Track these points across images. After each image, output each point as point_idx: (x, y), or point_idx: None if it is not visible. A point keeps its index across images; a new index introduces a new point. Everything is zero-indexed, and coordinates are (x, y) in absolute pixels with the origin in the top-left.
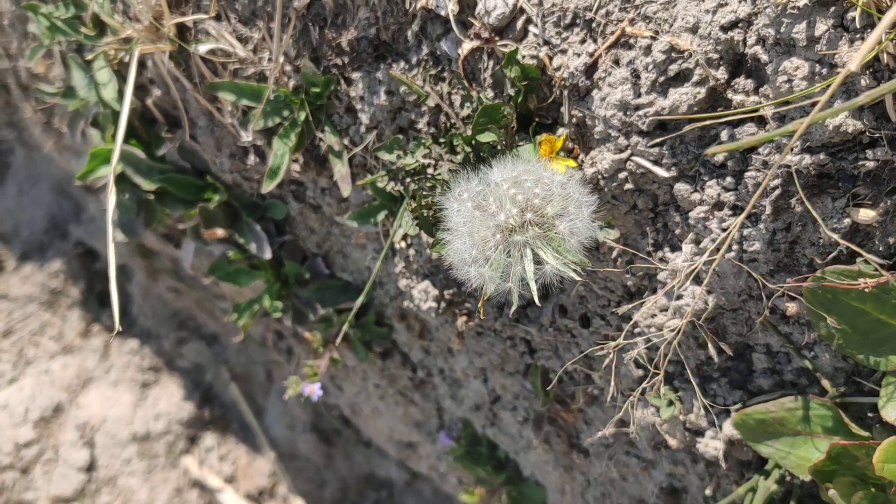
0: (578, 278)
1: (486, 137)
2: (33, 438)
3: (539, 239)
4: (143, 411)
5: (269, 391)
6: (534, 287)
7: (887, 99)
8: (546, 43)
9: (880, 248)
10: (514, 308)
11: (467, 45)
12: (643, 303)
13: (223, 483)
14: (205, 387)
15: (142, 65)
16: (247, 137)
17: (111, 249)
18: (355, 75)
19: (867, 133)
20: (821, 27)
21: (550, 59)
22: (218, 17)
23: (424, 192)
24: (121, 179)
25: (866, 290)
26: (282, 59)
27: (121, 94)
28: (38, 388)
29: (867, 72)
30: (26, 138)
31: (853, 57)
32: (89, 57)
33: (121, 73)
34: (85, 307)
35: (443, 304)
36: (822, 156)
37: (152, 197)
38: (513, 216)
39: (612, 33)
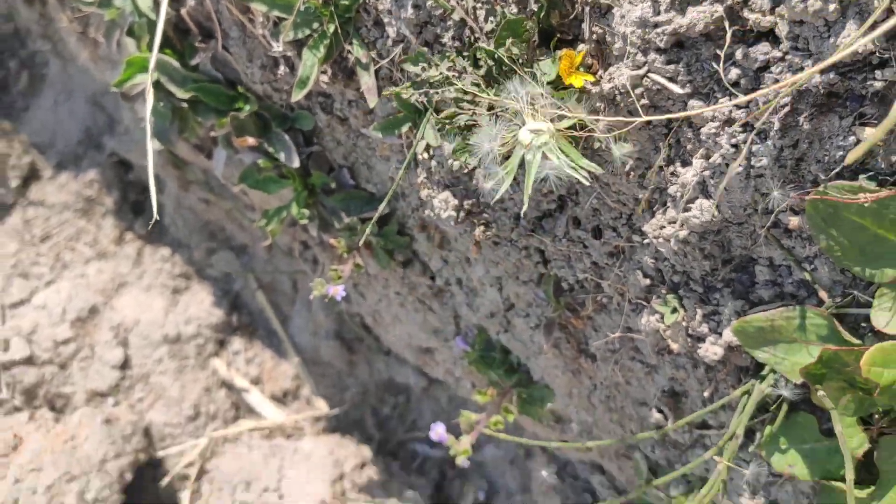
0: (587, 182)
1: (508, 52)
2: (70, 337)
3: (552, 146)
4: (174, 315)
5: (295, 300)
6: (529, 185)
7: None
8: None
9: (882, 166)
10: (525, 208)
11: None
12: (653, 215)
13: (250, 384)
14: (233, 295)
15: None
16: (278, 48)
17: (150, 147)
18: None
19: (877, 53)
20: None
21: None
22: None
23: (447, 103)
24: (156, 87)
25: (866, 204)
26: None
27: (156, 3)
28: (75, 291)
29: None
30: (61, 50)
31: None
32: None
33: None
34: (118, 216)
35: (461, 214)
36: (832, 75)
37: (186, 105)
38: (530, 125)
39: None
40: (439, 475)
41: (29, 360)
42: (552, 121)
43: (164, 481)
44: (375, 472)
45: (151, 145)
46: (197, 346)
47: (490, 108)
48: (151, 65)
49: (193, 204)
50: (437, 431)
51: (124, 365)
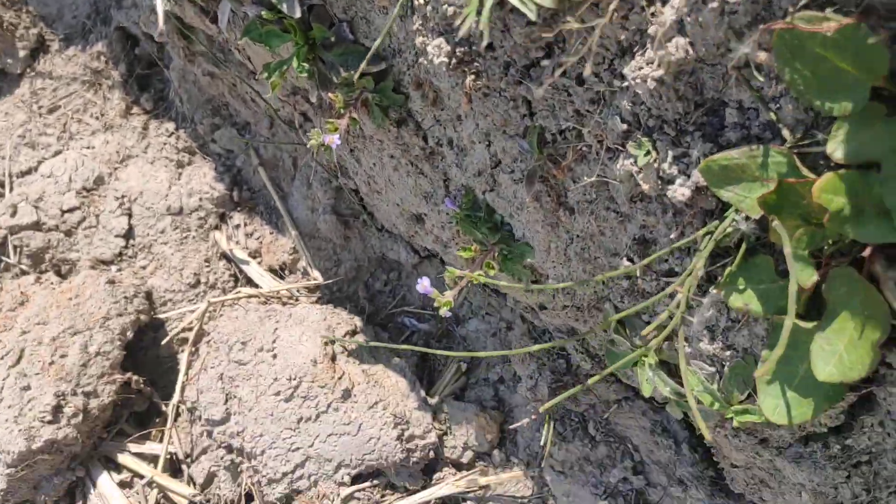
0: (533, 17)
1: None
2: (76, 205)
3: None
4: (177, 188)
5: (294, 177)
6: (486, 14)
7: None
8: None
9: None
10: (485, 41)
11: None
12: (633, 57)
13: (248, 257)
14: (235, 171)
15: None
16: None
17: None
18: None
19: None
20: None
21: None
22: None
23: None
24: None
25: (829, 34)
26: None
27: None
28: (81, 161)
29: None
30: None
31: None
32: None
33: None
34: (125, 89)
35: (454, 61)
36: None
37: None
38: None
39: None
40: (425, 347)
41: (36, 226)
42: None
43: (164, 341)
44: (364, 339)
45: (165, 29)
46: (199, 218)
47: None
48: None
49: (198, 78)
50: (423, 284)
51: (128, 234)
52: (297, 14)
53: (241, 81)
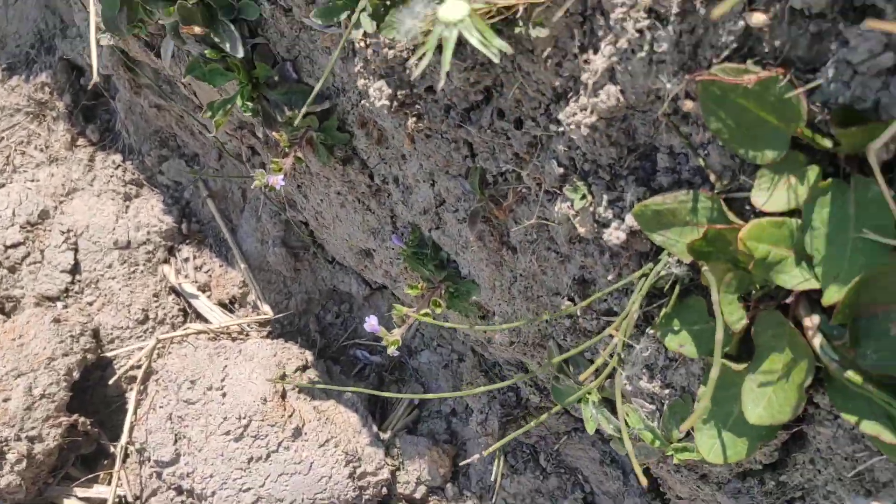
0: (496, 59)
1: None
2: (20, 240)
3: (467, 24)
4: (125, 221)
5: (243, 209)
6: (448, 59)
7: None
8: None
9: (766, 50)
10: (442, 81)
11: None
12: (567, 103)
13: (198, 290)
14: (183, 203)
15: None
16: None
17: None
18: None
19: None
20: None
21: None
22: None
23: None
24: None
25: (749, 86)
26: None
27: None
28: (25, 194)
29: None
30: None
31: None
32: None
33: None
34: (70, 120)
35: (395, 104)
36: None
37: None
38: (449, 3)
39: None
40: (378, 380)
41: None
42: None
43: (112, 381)
44: (316, 374)
45: (111, 62)
46: (147, 252)
47: None
48: None
49: (145, 110)
50: (371, 323)
51: (74, 269)
52: (241, 54)
53: (187, 114)
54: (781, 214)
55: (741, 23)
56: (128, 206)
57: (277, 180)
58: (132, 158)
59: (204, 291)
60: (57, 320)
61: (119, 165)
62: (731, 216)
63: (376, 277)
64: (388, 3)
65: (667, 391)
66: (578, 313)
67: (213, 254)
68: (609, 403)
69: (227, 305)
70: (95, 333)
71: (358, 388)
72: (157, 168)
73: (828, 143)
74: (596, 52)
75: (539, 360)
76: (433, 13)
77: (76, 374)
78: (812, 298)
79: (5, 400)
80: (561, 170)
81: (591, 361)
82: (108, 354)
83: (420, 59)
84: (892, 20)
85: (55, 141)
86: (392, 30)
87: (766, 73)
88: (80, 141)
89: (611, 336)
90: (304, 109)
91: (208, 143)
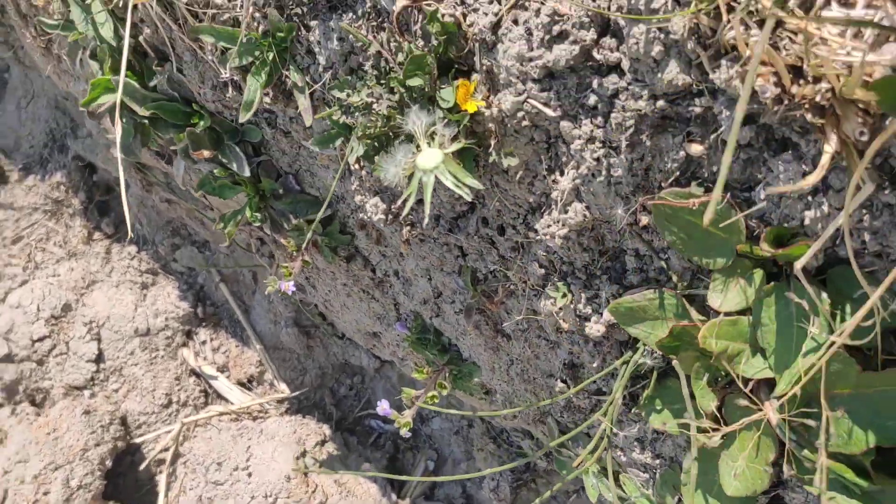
0: (468, 198)
1: (415, 82)
2: (46, 334)
3: (441, 169)
4: (144, 309)
5: (255, 291)
6: (428, 201)
7: (703, 57)
8: (462, 3)
9: (706, 174)
10: (426, 218)
11: (399, 4)
12: (542, 216)
13: (217, 371)
14: (197, 288)
15: (133, 7)
16: (225, 74)
17: (122, 172)
18: (313, 23)
19: (694, 85)
20: (659, 1)
21: (465, 17)
22: None
23: (368, 125)
24: (120, 107)
25: (694, 207)
26: (251, 7)
27: (117, 32)
28: (48, 289)
29: (692, 36)
30: (22, 57)
31: (677, 25)
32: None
33: (115, 14)
34: (86, 216)
35: (390, 217)
36: (662, 102)
37: (147, 121)
38: (425, 152)
39: None
40: (393, 448)
41: (8, 358)
42: (451, 140)
43: (142, 466)
44: (335, 448)
45: (123, 172)
46: (166, 337)
47: (397, 133)
48: (118, 94)
49: (156, 204)
50: (383, 407)
51: (98, 358)
52: (247, 173)
53: (197, 211)
54: (736, 313)
55: (682, 152)
56: (145, 295)
57: (289, 286)
58: (146, 248)
59: (223, 372)
60: (87, 411)
61: (134, 256)
62: (692, 313)
63: (384, 356)
64: (377, 144)
65: (657, 461)
66: (571, 396)
67: (229, 335)
68: (611, 471)
69: (246, 384)
70: (123, 421)
71: (376, 462)
72: (170, 256)
73: (766, 254)
74: (562, 174)
75: (542, 430)
76: (413, 160)
77: (109, 463)
78: (770, 383)
79: (45, 493)
80: (542, 271)
81: (588, 434)
82: (137, 440)
83: (405, 200)
84: (804, 164)
85: (73, 236)
86: (380, 172)
87: (707, 197)
88: (97, 235)
89: (604, 415)
90: (308, 217)
91: (218, 232)
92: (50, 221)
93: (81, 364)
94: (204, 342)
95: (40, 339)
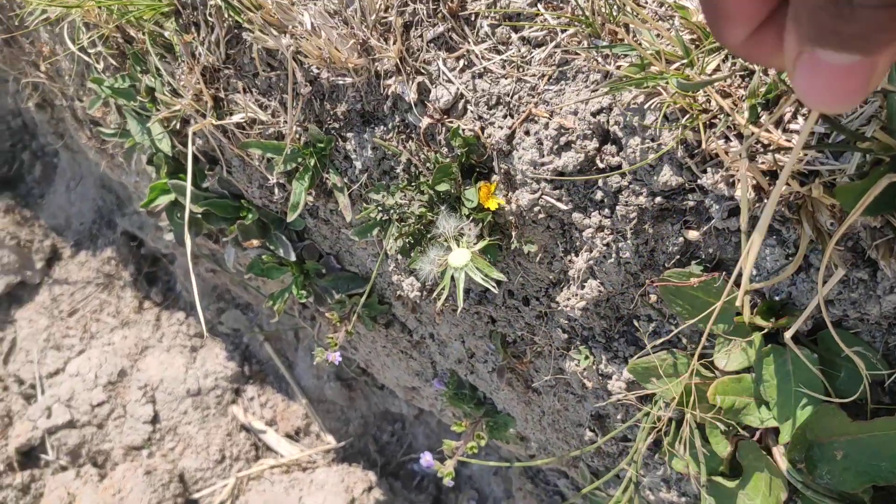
0: (495, 290)
1: (442, 187)
2: (104, 399)
3: (470, 266)
4: (194, 371)
5: (298, 348)
6: (461, 294)
7: (691, 164)
8: (479, 118)
9: (703, 256)
10: (460, 307)
11: (425, 121)
12: (561, 290)
13: (266, 426)
14: (243, 347)
15: (185, 122)
16: (272, 179)
17: (194, 285)
18: (349, 135)
19: (686, 184)
20: (650, 118)
21: (483, 129)
22: (243, 91)
23: (403, 226)
24: (174, 204)
25: (695, 285)
26: (294, 126)
27: (173, 146)
28: (104, 357)
29: (680, 145)
30: (70, 144)
31: (667, 138)
32: (147, 123)
33: (172, 131)
34: (136, 287)
35: (424, 293)
36: (660, 198)
37: (199, 216)
38: (455, 252)
39: (523, 112)
40: (436, 489)
41: (70, 424)
42: (476, 239)
43: None
44: (381, 493)
45: (171, 243)
46: (216, 396)
47: (429, 229)
48: (186, 218)
49: (202, 273)
50: (426, 459)
51: (154, 420)
52: (293, 258)
53: (241, 280)
54: (739, 372)
55: (681, 238)
56: (195, 357)
57: (335, 357)
58: (193, 314)
59: (271, 426)
60: (148, 472)
61: (183, 321)
62: (703, 371)
63: (423, 406)
64: (412, 240)
65: (683, 499)
66: (600, 444)
67: (276, 390)
68: None
69: (293, 436)
70: (181, 478)
71: (418, 500)
72: (216, 319)
73: (762, 323)
74: (577, 255)
75: (575, 472)
76: (445, 258)
77: None
78: (777, 430)
79: None
80: (565, 335)
81: (619, 476)
82: (195, 496)
83: (439, 294)
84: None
85: (124, 306)
86: (416, 266)
87: (705, 277)
88: (146, 304)
89: (634, 459)
90: (349, 292)
91: (260, 296)
92: (102, 293)
93: (139, 426)
94: (252, 398)
95: (99, 405)
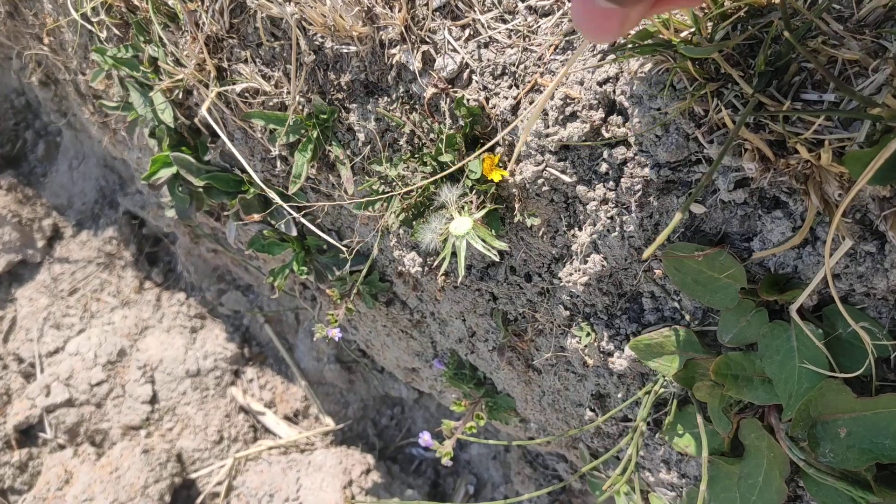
0: (496, 259)
1: (445, 157)
2: (103, 378)
3: (472, 234)
4: (193, 352)
5: (298, 330)
6: (461, 263)
7: (697, 134)
8: (484, 88)
9: (707, 230)
10: (461, 276)
11: (429, 91)
12: (564, 265)
13: (264, 407)
14: (243, 329)
15: (188, 92)
16: (274, 151)
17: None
18: (352, 106)
19: (692, 155)
20: (657, 87)
21: (487, 100)
22: (246, 61)
23: (406, 196)
24: (175, 178)
25: (699, 259)
26: (298, 96)
27: (175, 118)
28: (103, 337)
29: (687, 116)
30: (73, 122)
31: (674, 107)
32: (149, 93)
33: (174, 101)
34: (137, 267)
35: (426, 269)
36: (666, 170)
37: (201, 190)
38: (457, 220)
39: (529, 82)
40: (434, 474)
41: (69, 402)
42: (478, 207)
43: (199, 500)
44: (379, 476)
45: (172, 222)
46: (215, 377)
47: (431, 201)
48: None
49: (203, 253)
50: (424, 438)
51: (153, 400)
52: (294, 233)
53: (242, 260)
54: (743, 348)
55: (687, 213)
56: (195, 338)
57: (335, 333)
58: (194, 295)
59: (270, 407)
60: (145, 450)
61: (183, 302)
62: (705, 347)
63: (423, 388)
64: (414, 212)
65: (683, 480)
66: (600, 423)
67: (275, 372)
68: (640, 491)
69: (292, 419)
70: (179, 457)
71: (418, 488)
72: (217, 301)
73: (766, 297)
74: (580, 229)
75: (575, 454)
76: (446, 227)
77: (168, 498)
78: (779, 407)
79: None
80: (567, 312)
81: (618, 457)
82: (192, 476)
83: (441, 262)
84: (792, 216)
85: (125, 286)
86: (418, 236)
87: (710, 250)
88: (147, 284)
89: (631, 439)
90: (350, 269)
91: (261, 276)
92: (103, 273)
93: (137, 405)
94: (251, 380)
95: (98, 384)
